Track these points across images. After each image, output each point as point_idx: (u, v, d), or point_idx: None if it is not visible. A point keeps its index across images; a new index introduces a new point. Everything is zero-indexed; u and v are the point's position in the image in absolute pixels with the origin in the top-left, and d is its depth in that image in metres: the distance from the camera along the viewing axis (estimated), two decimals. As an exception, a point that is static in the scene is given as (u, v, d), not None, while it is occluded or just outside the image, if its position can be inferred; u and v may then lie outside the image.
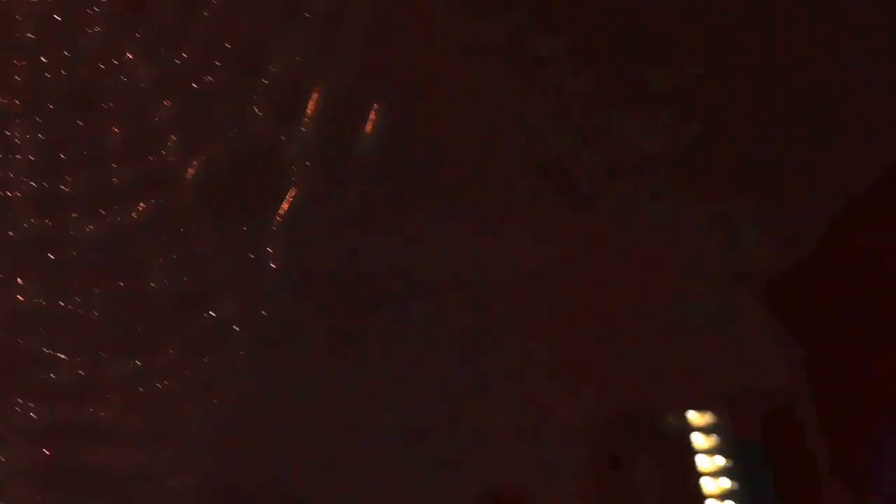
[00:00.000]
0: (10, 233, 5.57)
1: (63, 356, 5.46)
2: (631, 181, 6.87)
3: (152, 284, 5.68)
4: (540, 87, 6.84)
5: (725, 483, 33.11)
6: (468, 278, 6.68)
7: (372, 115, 5.58)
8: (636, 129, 6.84)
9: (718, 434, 31.86)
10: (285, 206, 5.55)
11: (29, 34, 5.58)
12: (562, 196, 6.87)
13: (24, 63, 5.44)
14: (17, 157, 5.43)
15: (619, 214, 6.73)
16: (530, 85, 6.73)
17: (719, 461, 32.53)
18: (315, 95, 5.63)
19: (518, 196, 6.71)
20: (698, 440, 31.82)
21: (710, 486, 32.97)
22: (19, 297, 5.42)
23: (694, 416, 31.07)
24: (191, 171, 5.48)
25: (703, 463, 32.59)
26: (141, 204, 5.57)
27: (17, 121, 5.40)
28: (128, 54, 5.50)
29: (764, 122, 7.12)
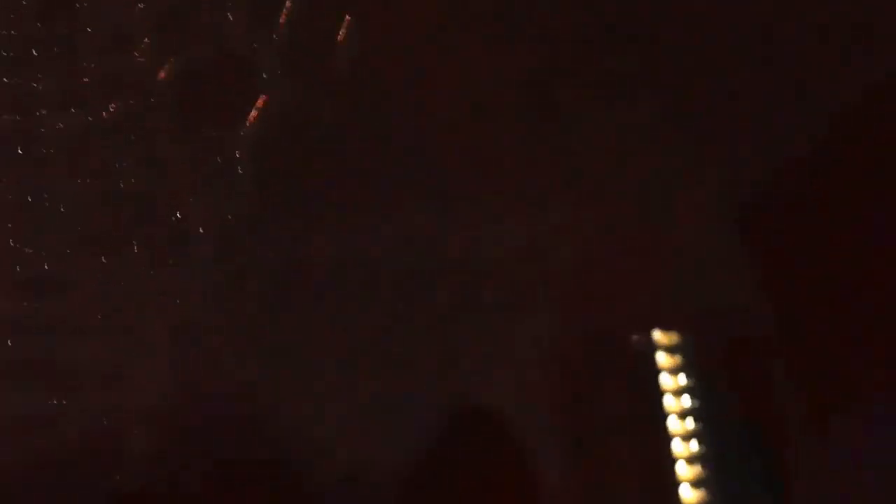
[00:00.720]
0: (-18, 127, 5.66)
1: (28, 250, 5.57)
2: (607, 104, 6.94)
3: (120, 184, 5.78)
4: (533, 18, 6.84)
5: (688, 401, 32.95)
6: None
7: (345, 26, 5.65)
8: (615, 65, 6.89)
9: (683, 353, 31.49)
10: (255, 112, 5.62)
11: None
12: (547, 124, 6.92)
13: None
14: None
15: (594, 140, 6.76)
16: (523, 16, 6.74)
17: (682, 380, 32.33)
18: (289, 3, 5.70)
19: (499, 116, 6.76)
20: (662, 359, 31.50)
21: (672, 403, 32.83)
22: (-11, 191, 5.53)
23: (659, 336, 30.71)
24: (162, 73, 5.57)
25: (667, 382, 32.34)
26: (111, 104, 5.65)
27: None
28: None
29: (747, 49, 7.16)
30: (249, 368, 5.96)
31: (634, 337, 7.90)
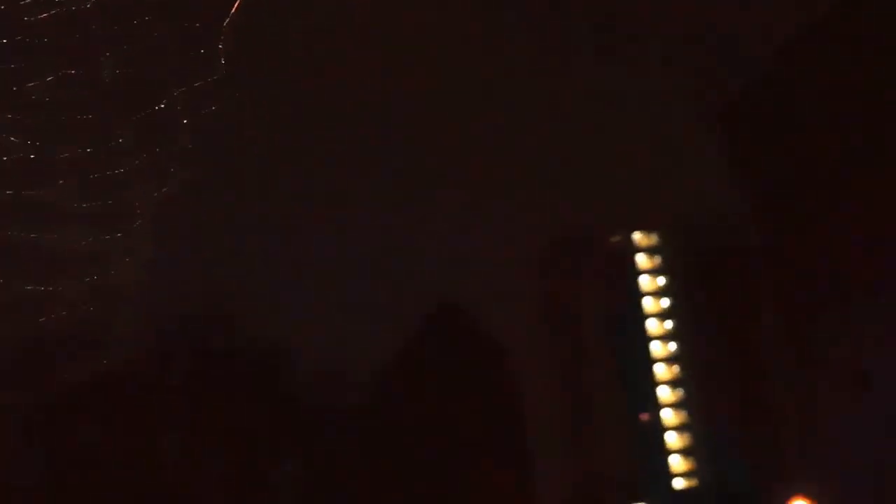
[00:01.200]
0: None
1: (14, 139, 5.79)
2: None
3: (105, 73, 5.99)
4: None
5: (666, 303, 34.54)
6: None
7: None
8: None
9: (662, 255, 32.96)
10: (237, 4, 5.83)
11: None
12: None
13: None
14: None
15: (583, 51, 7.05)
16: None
17: (661, 281, 33.75)
18: None
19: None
20: (642, 260, 32.96)
21: (650, 305, 34.42)
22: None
23: (639, 237, 32.11)
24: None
25: (645, 283, 33.87)
26: (97, -6, 5.83)
27: None
28: None
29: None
30: (232, 254, 6.56)
31: (614, 238, 9.85)
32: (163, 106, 6.63)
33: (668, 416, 59.91)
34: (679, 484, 59.98)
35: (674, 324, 55.49)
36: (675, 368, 57.91)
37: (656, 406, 59.30)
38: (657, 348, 57.66)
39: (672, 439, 60.40)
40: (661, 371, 58.18)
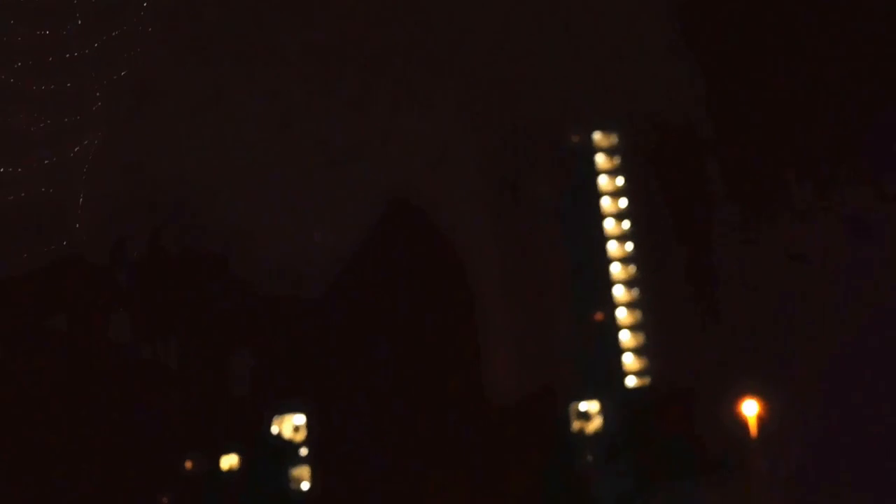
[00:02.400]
0: None
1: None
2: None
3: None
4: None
5: (624, 203, 34.91)
6: None
7: None
8: None
9: (621, 155, 33.30)
10: None
11: None
12: None
13: None
14: None
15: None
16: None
17: (620, 182, 34.18)
18: None
19: None
20: (601, 160, 33.28)
21: (608, 204, 34.68)
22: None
23: (599, 137, 32.43)
24: None
25: (604, 183, 34.16)
26: None
27: None
28: None
29: None
30: (188, 140, 6.74)
31: (574, 137, 10.10)
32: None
33: (623, 315, 60.80)
34: (632, 382, 60.92)
35: (631, 224, 56.21)
36: (631, 268, 58.73)
37: (611, 305, 60.15)
38: (614, 248, 58.45)
39: (626, 338, 61.23)
40: (617, 270, 58.95)
